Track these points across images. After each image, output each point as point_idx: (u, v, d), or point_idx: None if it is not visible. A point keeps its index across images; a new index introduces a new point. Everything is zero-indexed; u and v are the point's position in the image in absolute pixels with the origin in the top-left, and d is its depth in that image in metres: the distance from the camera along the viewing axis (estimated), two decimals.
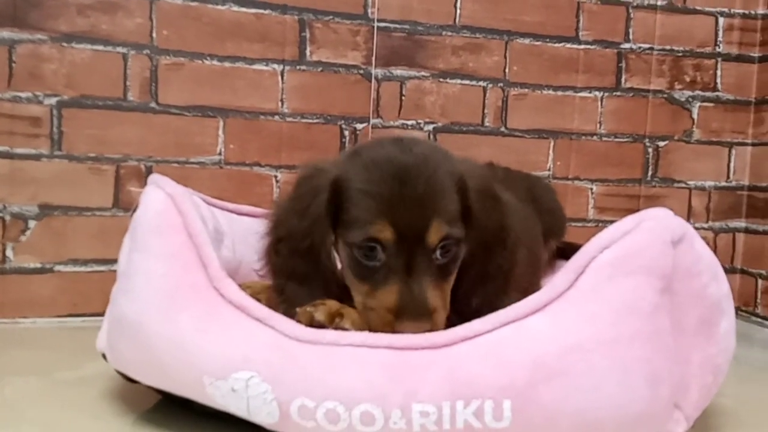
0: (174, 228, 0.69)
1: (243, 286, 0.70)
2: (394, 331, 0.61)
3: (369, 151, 0.68)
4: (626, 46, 1.33)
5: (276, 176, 1.20)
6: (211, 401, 0.62)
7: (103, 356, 0.74)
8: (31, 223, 1.10)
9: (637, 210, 1.31)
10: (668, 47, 1.36)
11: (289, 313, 0.62)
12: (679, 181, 1.38)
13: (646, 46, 1.35)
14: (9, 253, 1.09)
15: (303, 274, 0.67)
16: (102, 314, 1.09)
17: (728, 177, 1.40)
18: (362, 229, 0.62)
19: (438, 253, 0.63)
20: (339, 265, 0.70)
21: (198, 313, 0.64)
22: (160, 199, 0.71)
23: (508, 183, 0.91)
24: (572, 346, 0.55)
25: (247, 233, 0.93)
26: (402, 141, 0.68)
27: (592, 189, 1.34)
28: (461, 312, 0.64)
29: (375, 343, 0.58)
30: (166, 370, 0.64)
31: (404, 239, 0.62)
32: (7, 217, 1.09)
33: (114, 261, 1.10)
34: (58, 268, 1.11)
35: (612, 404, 0.54)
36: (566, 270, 0.59)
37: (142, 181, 1.13)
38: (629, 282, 0.57)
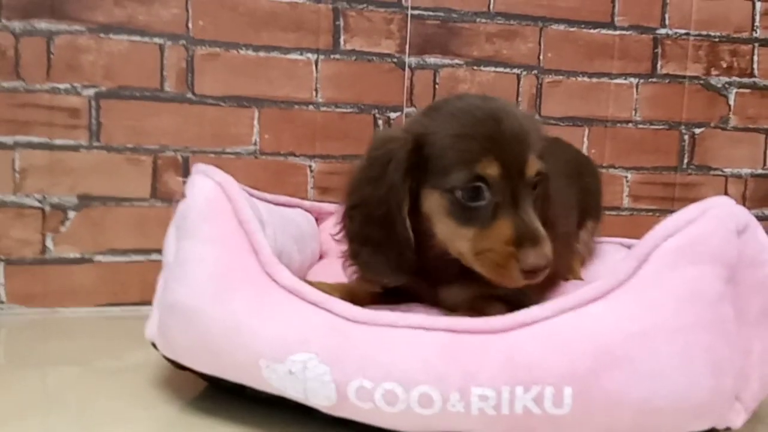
0: (224, 215, 0.69)
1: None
2: (517, 264, 0.61)
3: (448, 105, 0.68)
4: (662, 31, 1.31)
5: (310, 166, 1.20)
6: (267, 385, 0.63)
7: (153, 345, 0.75)
8: (71, 214, 1.11)
9: (673, 199, 1.33)
10: (704, 32, 1.33)
11: (365, 279, 0.64)
12: (715, 169, 1.36)
13: (683, 31, 1.32)
14: (49, 243, 1.11)
15: (377, 241, 0.67)
16: (141, 303, 1.13)
17: (765, 164, 1.38)
18: (466, 170, 0.62)
19: (532, 186, 0.65)
20: (411, 233, 0.68)
21: (252, 297, 0.64)
22: (209, 187, 0.71)
23: (559, 152, 0.90)
24: (635, 333, 0.55)
25: (285, 223, 0.93)
26: (476, 95, 0.70)
27: (626, 177, 1.33)
28: None
29: (432, 325, 0.58)
30: (221, 354, 0.64)
31: (508, 174, 0.62)
32: (47, 208, 1.10)
33: (152, 251, 1.13)
34: (97, 258, 1.12)
35: (675, 393, 0.54)
36: (629, 258, 0.59)
37: (180, 172, 1.14)
38: (694, 270, 0.57)
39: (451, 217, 0.65)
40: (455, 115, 0.65)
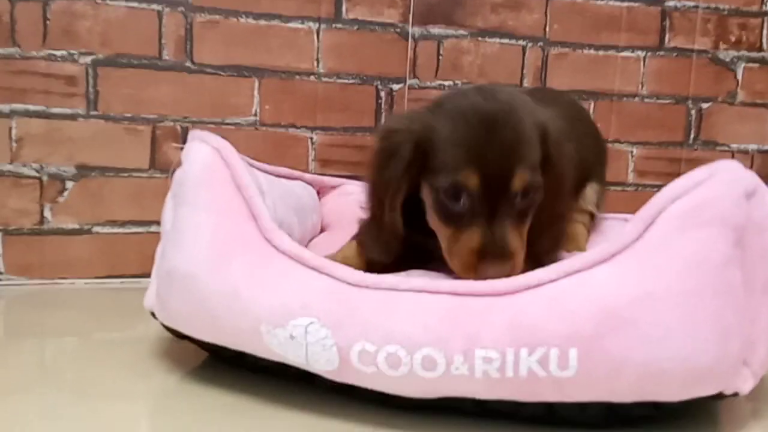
0: (222, 181, 0.68)
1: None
2: (476, 273, 0.63)
3: (453, 101, 0.69)
4: (671, 3, 1.29)
5: (311, 138, 1.18)
6: (268, 351, 0.62)
7: (152, 314, 0.74)
8: (69, 184, 1.10)
9: (678, 174, 1.29)
10: (713, 5, 1.30)
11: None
12: (721, 144, 1.34)
13: (691, 4, 1.30)
14: (47, 213, 1.09)
15: (375, 223, 0.72)
16: (140, 276, 1.12)
17: None
18: (449, 176, 0.65)
19: (519, 198, 0.65)
20: (400, 224, 0.72)
21: (251, 263, 0.63)
22: (206, 152, 0.70)
23: (558, 108, 0.86)
24: (640, 296, 0.54)
25: (285, 194, 0.92)
26: (486, 90, 0.69)
27: (632, 152, 1.31)
28: (531, 254, 0.66)
29: (436, 288, 0.57)
30: (220, 321, 0.63)
31: (489, 185, 0.64)
32: (45, 178, 1.09)
33: (151, 222, 1.12)
34: (96, 229, 1.11)
35: (680, 356, 0.53)
36: (635, 221, 0.57)
37: (179, 142, 1.12)
38: (701, 233, 0.55)
39: (437, 213, 0.68)
40: (453, 117, 0.67)
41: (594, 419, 0.59)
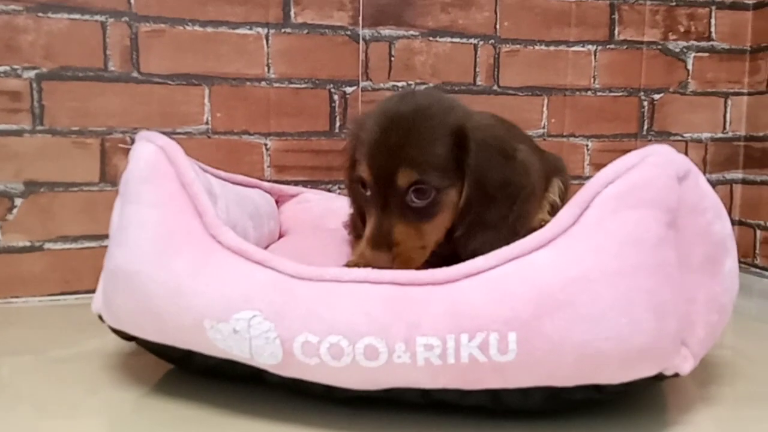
0: (166, 177, 0.67)
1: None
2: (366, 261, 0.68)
3: (381, 104, 0.77)
4: None
5: (266, 144, 1.18)
6: (213, 348, 0.61)
7: (100, 318, 0.73)
8: (17, 201, 1.07)
9: None
10: None
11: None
12: (675, 134, 1.36)
13: None
14: None
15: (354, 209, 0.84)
16: (94, 291, 1.09)
17: (724, 128, 1.38)
18: (356, 168, 0.74)
19: (412, 196, 0.70)
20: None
21: (194, 258, 0.63)
22: (150, 150, 0.69)
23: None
24: (576, 277, 0.54)
25: (239, 199, 0.91)
26: (413, 94, 0.78)
27: (587, 145, 1.32)
28: (461, 254, 0.68)
29: (377, 279, 0.58)
30: (164, 318, 0.62)
31: (379, 181, 0.70)
32: None
33: (104, 237, 1.10)
34: (47, 245, 1.09)
35: (617, 335, 0.53)
36: (570, 205, 0.58)
37: (128, 154, 1.10)
38: (634, 214, 0.56)
39: (359, 199, 0.78)
40: (372, 117, 0.75)
41: (537, 405, 0.59)
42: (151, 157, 0.69)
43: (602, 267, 0.54)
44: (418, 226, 0.71)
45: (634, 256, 0.55)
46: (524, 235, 0.59)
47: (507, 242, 0.61)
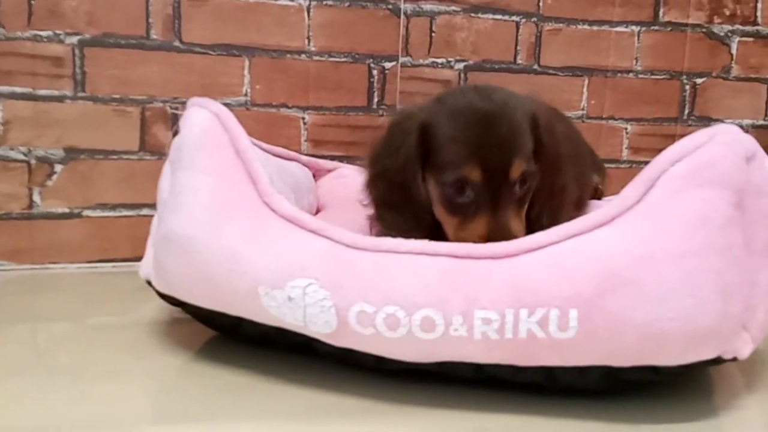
0: (220, 144, 0.67)
1: None
2: None
3: (452, 99, 0.74)
4: None
5: (304, 118, 1.17)
6: (266, 315, 0.61)
7: (148, 283, 0.73)
8: (57, 167, 1.08)
9: None
10: None
11: (390, 236, 0.66)
12: (716, 120, 1.33)
13: None
14: (36, 198, 1.08)
15: (398, 205, 0.74)
16: (132, 260, 1.11)
17: (766, 115, 1.35)
18: (453, 171, 0.69)
19: (517, 186, 0.70)
20: (427, 197, 0.75)
21: (249, 225, 0.62)
22: (204, 117, 0.69)
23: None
24: (642, 256, 0.53)
25: (282, 171, 0.91)
26: (480, 89, 0.75)
27: (626, 129, 1.30)
28: (534, 231, 0.68)
29: (435, 251, 0.57)
30: (217, 283, 0.62)
31: (490, 178, 0.69)
32: (33, 161, 1.07)
33: (142, 206, 1.10)
34: (86, 213, 1.10)
35: (681, 316, 0.52)
36: (635, 183, 0.57)
37: (168, 124, 1.11)
38: (701, 194, 0.55)
39: (442, 205, 0.72)
40: (453, 114, 0.72)
41: (593, 384, 0.59)
42: (206, 123, 0.68)
43: (668, 246, 0.53)
44: (520, 214, 0.71)
45: (701, 236, 0.54)
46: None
47: (562, 207, 0.61)
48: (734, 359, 0.59)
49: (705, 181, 0.55)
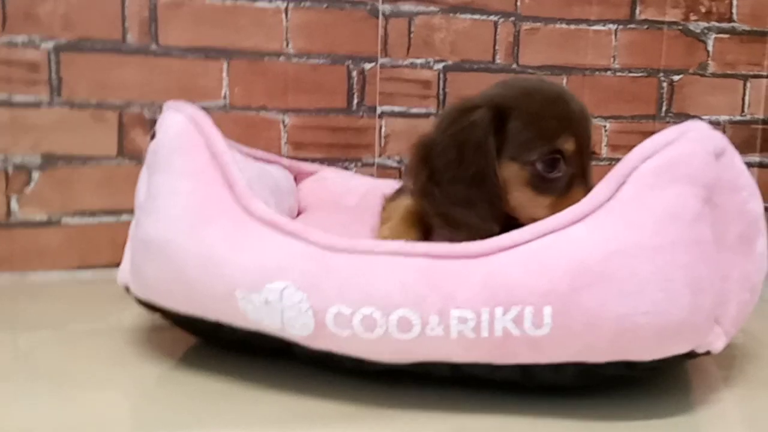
0: (196, 147, 0.67)
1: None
2: None
3: (515, 84, 0.76)
4: None
5: (283, 120, 1.17)
6: (243, 319, 0.61)
7: (126, 289, 0.72)
8: (35, 174, 1.07)
9: None
10: None
11: (459, 235, 0.65)
12: (693, 116, 1.35)
13: None
14: (14, 205, 1.06)
15: (468, 199, 0.70)
16: (112, 266, 1.09)
17: (743, 110, 1.37)
18: (547, 145, 0.69)
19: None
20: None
21: (227, 228, 0.62)
22: (180, 120, 0.69)
23: None
24: (614, 251, 0.54)
25: (261, 174, 0.91)
26: (525, 79, 0.84)
27: (605, 126, 1.31)
28: None
29: (411, 251, 0.57)
30: (195, 287, 0.62)
31: (579, 149, 0.70)
32: (10, 168, 1.06)
33: (122, 211, 1.10)
34: (65, 220, 1.09)
35: (654, 310, 0.53)
36: (607, 180, 0.57)
37: (146, 128, 1.10)
38: (672, 190, 0.56)
39: (529, 187, 0.71)
40: (530, 93, 0.73)
41: (569, 381, 0.59)
42: (181, 126, 0.68)
43: (640, 241, 0.54)
44: None
45: (672, 232, 0.54)
46: None
47: None
48: (708, 353, 0.60)
49: (676, 177, 0.56)
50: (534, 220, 0.67)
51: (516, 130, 0.70)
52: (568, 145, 0.70)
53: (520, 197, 0.71)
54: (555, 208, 0.68)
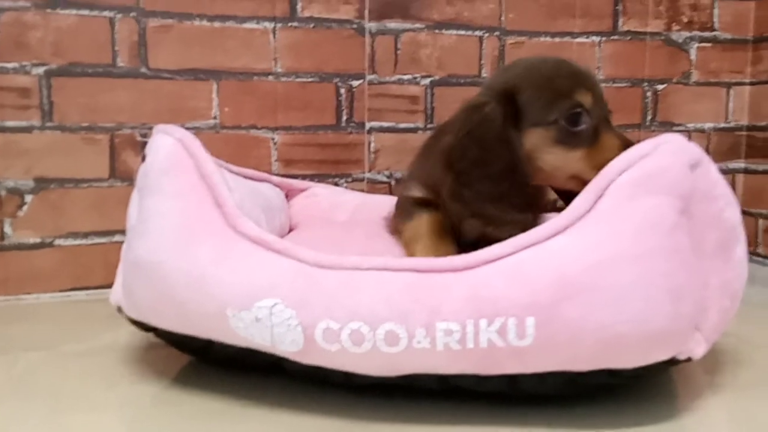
0: (185, 169, 0.68)
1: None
2: None
3: (518, 64, 0.79)
4: None
5: (273, 138, 1.18)
6: (234, 337, 0.62)
7: (119, 310, 0.73)
8: (28, 198, 1.08)
9: None
10: None
11: (498, 231, 0.67)
12: (678, 125, 1.37)
13: None
14: (7, 229, 1.07)
15: (502, 193, 0.71)
16: (105, 287, 1.10)
17: (727, 118, 1.39)
18: (567, 101, 0.72)
19: None
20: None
21: (216, 248, 0.63)
22: (169, 143, 0.70)
23: None
24: (595, 262, 0.55)
25: (252, 193, 0.92)
26: (528, 58, 0.81)
27: None
28: None
29: (397, 266, 0.59)
30: (186, 306, 0.63)
31: (597, 102, 0.73)
32: (3, 192, 1.07)
33: (114, 232, 1.11)
34: (58, 242, 1.10)
35: (636, 319, 0.54)
36: (586, 193, 0.59)
37: (138, 150, 1.11)
38: (649, 201, 0.57)
39: (559, 145, 0.72)
40: (534, 67, 0.75)
41: (555, 390, 0.60)
42: (170, 149, 0.69)
43: (620, 252, 0.55)
44: None
45: (650, 241, 0.56)
46: None
47: None
48: (689, 360, 0.61)
49: (652, 188, 0.57)
50: (570, 180, 0.73)
51: (530, 99, 0.73)
52: (586, 98, 0.72)
53: (551, 159, 0.73)
54: (589, 159, 0.72)
